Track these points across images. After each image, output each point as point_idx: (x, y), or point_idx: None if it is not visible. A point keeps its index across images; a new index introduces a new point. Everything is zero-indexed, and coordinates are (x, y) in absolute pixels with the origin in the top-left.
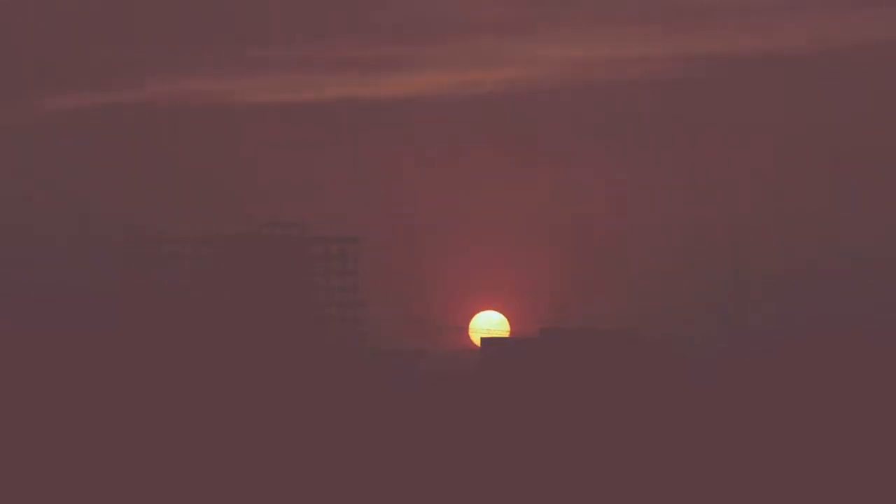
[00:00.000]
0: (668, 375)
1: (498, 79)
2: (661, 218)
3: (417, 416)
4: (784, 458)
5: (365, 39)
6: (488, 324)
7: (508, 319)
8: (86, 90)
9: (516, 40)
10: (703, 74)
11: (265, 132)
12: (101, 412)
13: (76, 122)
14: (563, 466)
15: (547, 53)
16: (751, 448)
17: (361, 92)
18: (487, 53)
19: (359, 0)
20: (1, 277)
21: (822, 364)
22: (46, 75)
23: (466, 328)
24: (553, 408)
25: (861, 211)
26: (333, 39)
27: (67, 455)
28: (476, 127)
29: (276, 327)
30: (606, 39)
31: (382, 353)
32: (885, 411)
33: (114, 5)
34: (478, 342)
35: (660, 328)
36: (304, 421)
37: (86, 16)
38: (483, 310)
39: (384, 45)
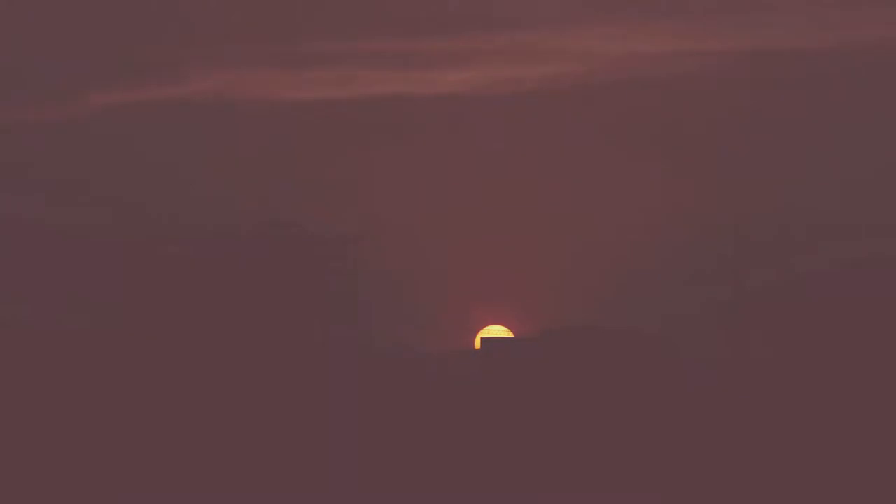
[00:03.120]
0: (671, 375)
1: (543, 75)
2: (667, 217)
3: (418, 417)
4: (787, 458)
5: (401, 36)
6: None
7: (510, 323)
8: (130, 87)
9: (558, 36)
10: (750, 72)
11: (285, 130)
12: (102, 412)
13: (116, 119)
14: (565, 466)
15: (588, 49)
16: (757, 448)
17: (394, 89)
18: (528, 49)
19: None
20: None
21: (821, 364)
22: (92, 71)
23: (467, 329)
24: (555, 407)
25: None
26: (369, 35)
27: (68, 454)
28: (513, 125)
29: (275, 327)
30: (650, 35)
31: (382, 354)
32: (886, 407)
33: (157, 1)
34: (478, 344)
35: (660, 328)
36: (304, 422)
37: (129, 11)
38: (483, 310)
39: (421, 42)
